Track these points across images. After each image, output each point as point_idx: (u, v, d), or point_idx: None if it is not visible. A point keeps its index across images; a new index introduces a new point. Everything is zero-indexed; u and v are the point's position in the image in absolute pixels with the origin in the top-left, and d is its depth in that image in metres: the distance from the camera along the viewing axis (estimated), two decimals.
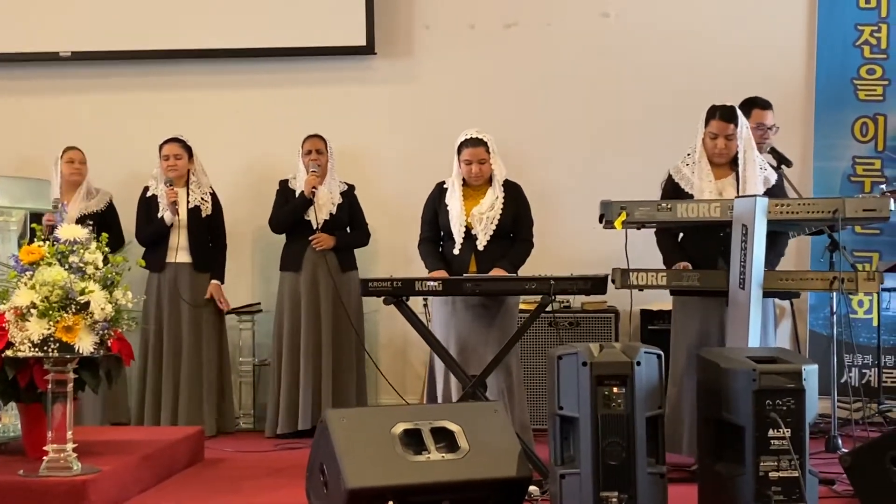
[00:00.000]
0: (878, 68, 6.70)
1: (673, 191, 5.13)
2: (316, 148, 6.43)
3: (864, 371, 6.50)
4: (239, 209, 6.89)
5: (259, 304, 6.95)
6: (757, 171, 5.03)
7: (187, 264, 6.44)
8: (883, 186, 5.58)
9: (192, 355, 6.41)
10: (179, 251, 6.43)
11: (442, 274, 5.24)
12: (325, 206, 6.41)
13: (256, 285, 7.11)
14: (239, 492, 4.87)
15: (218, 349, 6.53)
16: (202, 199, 6.50)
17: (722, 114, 5.05)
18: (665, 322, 6.36)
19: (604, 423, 3.84)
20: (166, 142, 6.46)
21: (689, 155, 5.12)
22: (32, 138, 6.91)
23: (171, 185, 6.38)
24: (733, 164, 5.09)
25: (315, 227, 6.37)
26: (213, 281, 6.49)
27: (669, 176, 5.20)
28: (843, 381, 6.27)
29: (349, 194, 6.55)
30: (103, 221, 6.35)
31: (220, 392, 6.52)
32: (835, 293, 5.09)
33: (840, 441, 5.36)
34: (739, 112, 5.08)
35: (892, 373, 6.51)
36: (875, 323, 6.47)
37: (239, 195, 6.96)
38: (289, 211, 6.43)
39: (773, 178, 5.19)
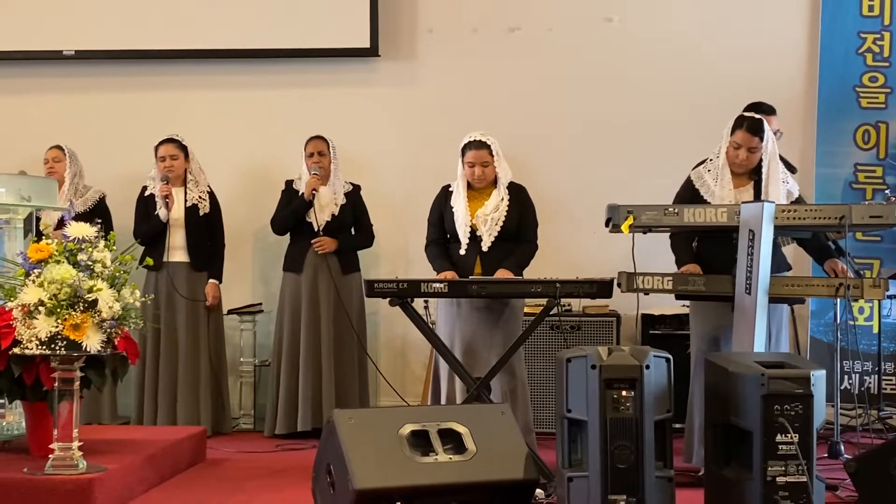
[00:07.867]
0: (880, 76, 6.72)
1: (691, 195, 5.09)
2: (318, 150, 6.42)
3: (864, 378, 6.52)
4: (240, 210, 6.89)
5: (260, 304, 6.95)
6: (780, 185, 4.99)
7: (185, 263, 6.42)
8: (887, 192, 5.59)
9: (190, 356, 6.38)
10: (177, 250, 6.41)
11: (451, 275, 5.23)
12: (326, 207, 6.40)
13: (256, 286, 7.12)
14: (243, 491, 4.87)
15: (215, 350, 6.49)
16: (199, 197, 6.47)
17: (749, 126, 4.98)
18: (667, 327, 6.41)
19: (612, 427, 3.83)
20: (162, 142, 6.44)
21: (711, 161, 5.08)
22: (36, 137, 6.89)
23: (166, 182, 6.36)
24: (752, 173, 5.05)
25: (316, 228, 6.36)
26: (211, 280, 6.47)
27: (689, 180, 5.16)
28: (842, 387, 6.29)
29: (354, 195, 6.53)
30: (89, 221, 6.30)
31: (217, 393, 6.50)
32: (838, 300, 5.09)
33: (842, 447, 5.38)
34: (766, 125, 5.01)
35: (891, 379, 6.53)
36: (875, 330, 6.49)
37: (241, 196, 6.96)
38: (289, 213, 6.42)
39: (796, 190, 5.15)
